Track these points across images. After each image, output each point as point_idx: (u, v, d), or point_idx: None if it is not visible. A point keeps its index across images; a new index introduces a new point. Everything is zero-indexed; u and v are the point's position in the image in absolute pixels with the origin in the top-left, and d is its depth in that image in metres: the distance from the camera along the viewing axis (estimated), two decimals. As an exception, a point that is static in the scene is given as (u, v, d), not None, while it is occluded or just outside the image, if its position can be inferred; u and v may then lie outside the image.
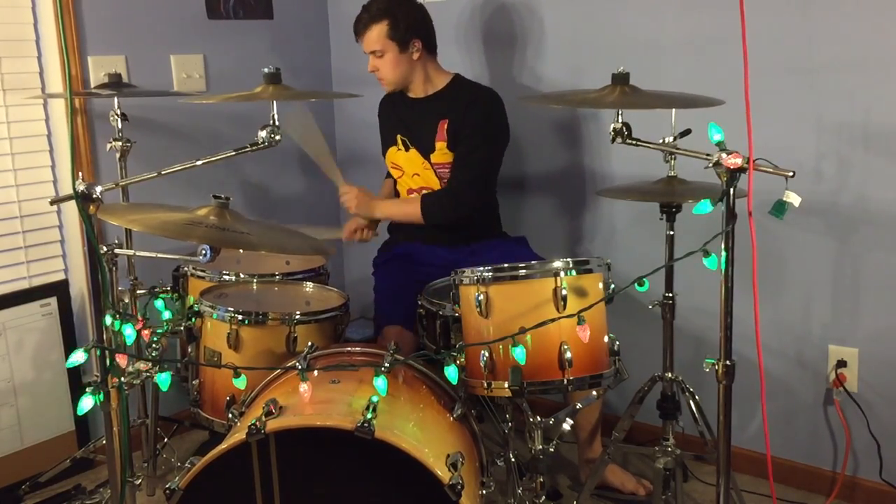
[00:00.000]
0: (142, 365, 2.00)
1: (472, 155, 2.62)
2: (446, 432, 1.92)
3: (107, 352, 1.67)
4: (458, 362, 1.90)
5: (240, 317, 2.20)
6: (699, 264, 1.69)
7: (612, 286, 2.02)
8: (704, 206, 1.69)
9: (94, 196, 1.61)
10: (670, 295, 2.33)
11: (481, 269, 1.97)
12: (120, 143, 2.56)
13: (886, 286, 2.45)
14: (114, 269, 2.26)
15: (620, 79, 2.02)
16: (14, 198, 2.73)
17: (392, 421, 1.76)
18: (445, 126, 2.66)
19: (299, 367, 1.82)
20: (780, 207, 1.66)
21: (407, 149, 2.75)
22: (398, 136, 2.78)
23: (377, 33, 2.61)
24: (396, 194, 2.87)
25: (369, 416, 1.68)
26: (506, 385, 1.89)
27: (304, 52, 3.50)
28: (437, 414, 1.98)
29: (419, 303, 2.29)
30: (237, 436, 1.71)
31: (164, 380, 1.90)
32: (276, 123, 1.82)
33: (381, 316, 2.62)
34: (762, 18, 2.45)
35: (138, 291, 2.55)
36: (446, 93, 2.73)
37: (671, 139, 2.06)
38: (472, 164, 2.63)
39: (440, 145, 2.68)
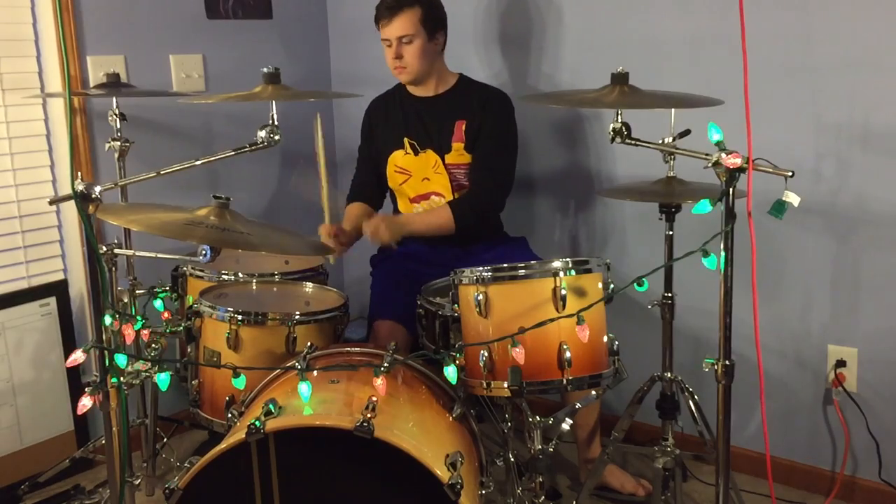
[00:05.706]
0: (141, 365, 2.00)
1: (494, 158, 2.64)
2: (445, 432, 1.92)
3: (106, 352, 1.67)
4: (457, 362, 1.90)
5: (239, 317, 2.20)
6: (699, 264, 1.70)
7: (612, 286, 2.02)
8: (704, 206, 1.69)
9: (93, 196, 1.62)
10: (670, 295, 2.33)
11: (481, 268, 1.97)
12: (119, 143, 2.56)
13: (886, 286, 2.45)
14: (113, 269, 2.25)
15: (620, 79, 2.02)
16: (13, 198, 2.73)
17: (391, 421, 1.76)
18: (463, 127, 2.65)
19: (299, 367, 1.82)
20: (779, 207, 1.66)
21: (416, 152, 2.71)
22: (405, 139, 2.72)
23: (409, 18, 2.55)
24: (393, 205, 2.81)
25: (368, 415, 1.68)
26: (505, 385, 1.89)
27: (304, 52, 3.50)
28: (437, 414, 1.98)
29: (419, 303, 2.29)
30: (237, 435, 1.71)
31: (163, 380, 1.90)
32: (276, 123, 1.82)
33: (374, 312, 2.61)
34: (762, 18, 2.45)
35: (137, 291, 2.55)
36: (458, 92, 2.72)
37: (671, 139, 2.06)
38: (496, 166, 2.64)
39: (457, 146, 2.66)
